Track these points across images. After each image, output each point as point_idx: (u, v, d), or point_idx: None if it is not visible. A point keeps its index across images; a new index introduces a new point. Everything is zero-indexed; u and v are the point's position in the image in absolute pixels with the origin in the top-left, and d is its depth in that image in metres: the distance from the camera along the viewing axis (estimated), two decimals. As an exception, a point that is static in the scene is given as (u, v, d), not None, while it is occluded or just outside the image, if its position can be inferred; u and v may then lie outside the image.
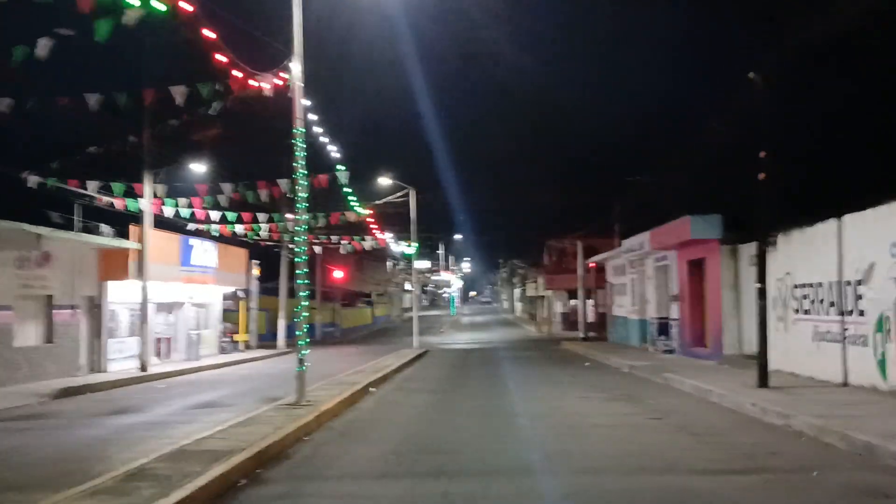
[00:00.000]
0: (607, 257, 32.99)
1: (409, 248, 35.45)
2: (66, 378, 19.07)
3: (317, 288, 44.82)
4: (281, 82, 13.18)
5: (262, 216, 26.70)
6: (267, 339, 35.72)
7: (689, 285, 22.01)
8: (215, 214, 23.91)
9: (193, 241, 26.95)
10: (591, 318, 38.93)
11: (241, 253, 32.27)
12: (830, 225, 14.02)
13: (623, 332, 30.29)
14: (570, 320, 45.00)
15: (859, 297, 12.96)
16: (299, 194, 12.82)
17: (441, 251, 71.57)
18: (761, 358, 13.43)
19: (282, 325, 34.81)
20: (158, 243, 23.37)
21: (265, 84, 13.33)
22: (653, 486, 7.13)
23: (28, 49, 11.79)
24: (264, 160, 25.91)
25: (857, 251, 13.08)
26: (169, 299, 26.08)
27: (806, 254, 15.10)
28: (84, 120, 18.34)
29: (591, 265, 36.71)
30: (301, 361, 12.63)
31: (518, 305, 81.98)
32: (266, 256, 35.25)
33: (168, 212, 23.17)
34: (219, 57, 12.82)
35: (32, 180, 19.39)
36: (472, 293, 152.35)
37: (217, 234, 27.95)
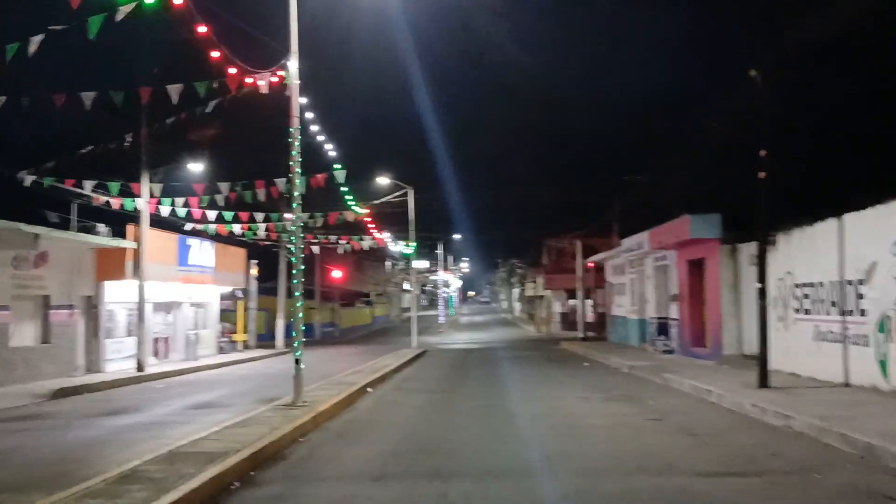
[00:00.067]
0: (606, 257, 32.91)
1: (408, 247, 35.35)
2: (64, 378, 18.99)
3: (316, 288, 44.77)
4: (277, 79, 13.08)
5: (259, 216, 26.58)
6: (266, 339, 35.66)
7: (688, 285, 21.93)
8: (213, 214, 23.81)
9: (191, 240, 26.88)
10: (590, 317, 38.88)
11: (240, 253, 32.20)
12: (831, 224, 13.94)
13: (622, 332, 30.22)
14: (569, 320, 44.94)
15: (860, 297, 12.89)
16: (295, 193, 12.75)
17: (440, 251, 71.37)
18: (762, 358, 13.35)
19: (280, 324, 34.75)
20: (156, 243, 23.29)
21: (261, 82, 13.22)
22: (652, 488, 7.05)
23: (24, 47, 11.68)
24: (263, 159, 25.82)
25: (857, 250, 13.01)
26: (167, 299, 26.01)
27: (806, 253, 15.03)
28: (82, 119, 18.27)
29: (589, 265, 36.64)
30: (297, 362, 12.56)
31: (517, 305, 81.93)
32: (265, 256, 35.18)
33: (165, 211, 23.07)
34: (216, 55, 12.73)
35: (29, 179, 19.26)
36: (471, 293, 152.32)
37: (215, 234, 27.85)
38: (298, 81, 13.05)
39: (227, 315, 32.57)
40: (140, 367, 21.51)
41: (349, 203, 26.98)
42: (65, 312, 20.44)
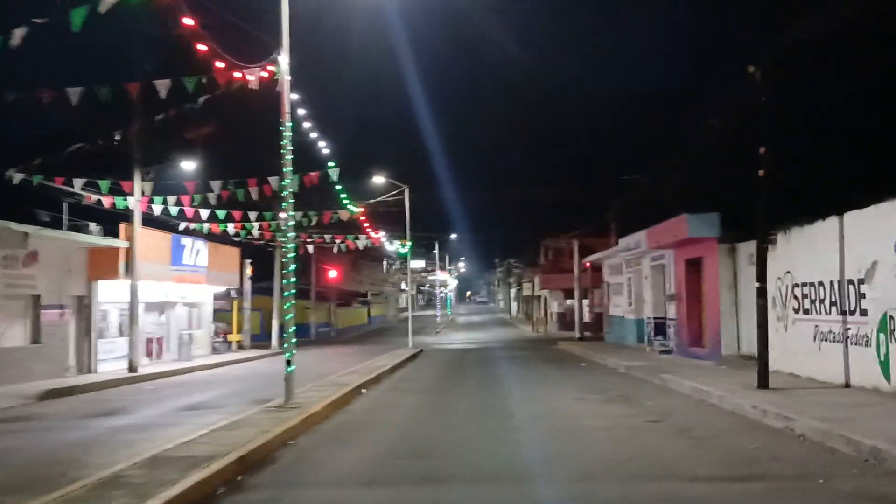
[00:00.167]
0: (603, 256, 32.72)
1: (404, 247, 35.13)
2: (55, 379, 18.75)
3: (312, 288, 44.55)
4: (266, 74, 12.85)
5: (253, 214, 26.33)
6: (261, 339, 35.42)
7: (686, 284, 21.74)
8: (206, 213, 23.56)
9: (185, 240, 26.66)
10: (587, 317, 38.74)
11: (234, 252, 31.97)
12: (831, 223, 13.74)
13: (619, 332, 30.02)
14: (566, 320, 44.74)
15: (861, 297, 12.68)
16: (286, 191, 12.53)
17: (436, 251, 71.21)
18: (761, 359, 13.15)
19: (275, 324, 34.48)
20: (148, 242, 23.05)
21: (251, 76, 12.99)
22: (651, 494, 6.84)
23: (7, 40, 11.43)
24: (258, 157, 25.57)
25: (858, 249, 12.80)
26: (160, 299, 25.77)
27: (806, 252, 14.83)
28: (73, 116, 18.01)
29: (586, 264, 36.45)
30: (289, 362, 12.33)
31: (514, 305, 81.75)
32: (260, 256, 34.93)
33: (157, 210, 22.81)
34: (203, 49, 12.49)
35: (18, 177, 18.99)
36: (469, 293, 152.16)
37: (209, 233, 27.60)
38: (289, 77, 12.82)
39: (221, 315, 32.35)
40: (132, 368, 21.28)
41: (344, 202, 26.73)
42: (56, 312, 20.19)
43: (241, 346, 32.88)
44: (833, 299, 13.66)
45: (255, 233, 29.37)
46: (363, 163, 37.06)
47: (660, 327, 24.21)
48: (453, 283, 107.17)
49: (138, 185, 21.56)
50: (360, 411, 12.94)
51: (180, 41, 12.71)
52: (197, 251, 27.43)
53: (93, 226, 23.28)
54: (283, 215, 12.76)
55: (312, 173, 19.52)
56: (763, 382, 12.90)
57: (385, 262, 71.23)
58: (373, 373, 18.61)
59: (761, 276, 13.62)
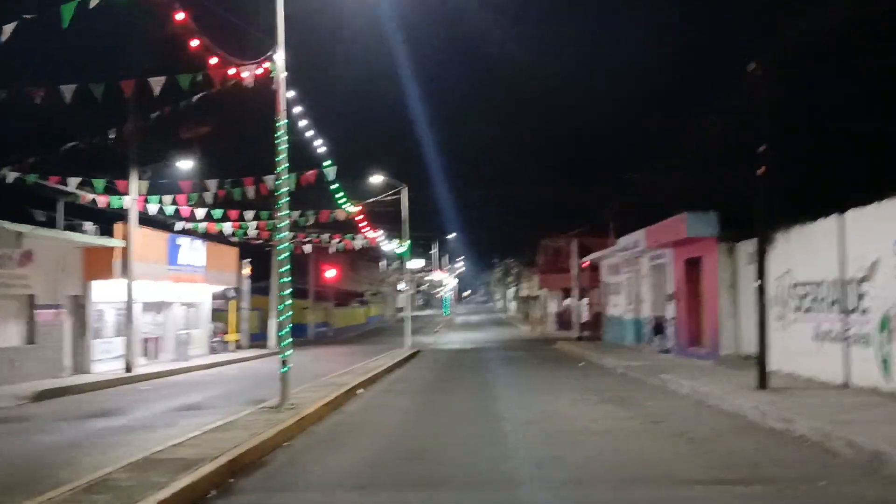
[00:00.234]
0: (602, 256, 32.60)
1: (401, 246, 34.99)
2: (50, 379, 18.61)
3: (309, 287, 44.40)
4: (262, 71, 12.72)
5: (250, 214, 26.18)
6: (259, 338, 35.31)
7: (685, 284, 21.63)
8: (202, 212, 23.43)
9: (181, 239, 26.52)
10: (585, 317, 38.60)
11: (231, 251, 31.83)
12: (831, 221, 13.63)
13: (618, 332, 29.90)
14: (564, 320, 44.61)
15: (862, 296, 12.57)
16: (281, 189, 12.41)
17: (434, 251, 71.11)
18: (761, 359, 13.02)
19: (273, 324, 34.31)
20: (145, 241, 22.92)
21: (246, 73, 12.86)
22: (649, 498, 6.72)
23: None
24: (255, 156, 25.42)
25: (859, 248, 12.69)
26: (157, 299, 25.63)
27: (806, 251, 14.72)
28: (67, 114, 17.89)
29: (585, 264, 36.30)
30: (284, 363, 12.20)
31: (512, 305, 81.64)
32: (257, 255, 34.77)
33: (153, 209, 22.68)
34: (195, 44, 12.37)
35: (12, 176, 18.86)
36: (467, 293, 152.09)
37: (205, 233, 27.46)
38: (285, 73, 12.69)
39: (219, 315, 32.19)
40: (128, 368, 21.14)
41: (339, 201, 26.57)
42: (51, 312, 20.05)
43: (238, 346, 32.76)
44: (833, 299, 13.55)
45: (252, 232, 29.22)
46: (360, 162, 36.81)
47: (658, 327, 24.08)
48: (452, 282, 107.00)
49: (134, 183, 21.42)
50: (356, 412, 12.81)
51: (176, 39, 12.60)
52: (195, 251, 27.30)
53: (88, 225, 23.16)
54: (279, 214, 12.61)
55: (309, 172, 19.39)
56: (762, 382, 12.77)
57: (385, 262, 71.08)
58: (369, 373, 18.49)
59: (761, 275, 13.51)
